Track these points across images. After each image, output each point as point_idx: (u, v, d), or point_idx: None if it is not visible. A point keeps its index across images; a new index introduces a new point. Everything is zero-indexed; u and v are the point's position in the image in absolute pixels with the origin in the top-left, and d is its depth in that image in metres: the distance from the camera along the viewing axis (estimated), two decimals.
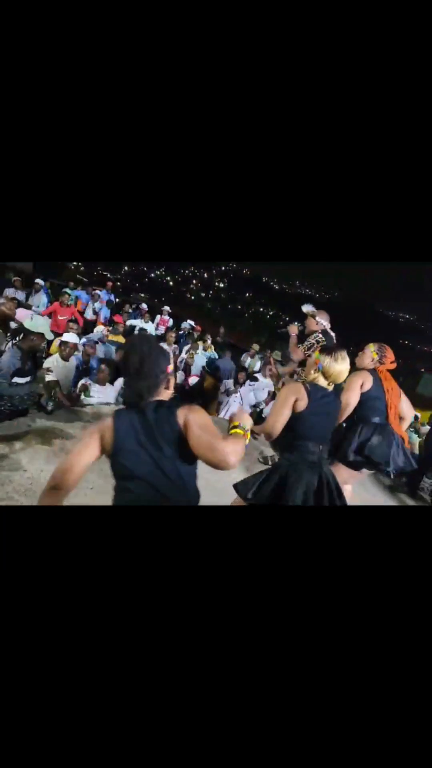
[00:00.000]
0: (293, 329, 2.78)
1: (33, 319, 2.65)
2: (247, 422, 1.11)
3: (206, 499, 1.12)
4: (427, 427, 5.00)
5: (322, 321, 2.70)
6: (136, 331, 5.80)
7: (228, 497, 1.72)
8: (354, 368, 1.79)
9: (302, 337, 2.73)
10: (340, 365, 1.62)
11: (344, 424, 2.19)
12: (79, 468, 1.01)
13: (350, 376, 2.14)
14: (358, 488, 2.91)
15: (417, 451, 4.20)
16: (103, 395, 3.43)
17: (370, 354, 2.31)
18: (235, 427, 1.09)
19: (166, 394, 1.12)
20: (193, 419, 1.04)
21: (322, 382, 1.64)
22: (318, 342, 2.63)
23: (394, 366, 2.30)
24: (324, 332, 2.68)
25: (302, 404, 1.57)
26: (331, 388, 1.67)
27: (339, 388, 1.88)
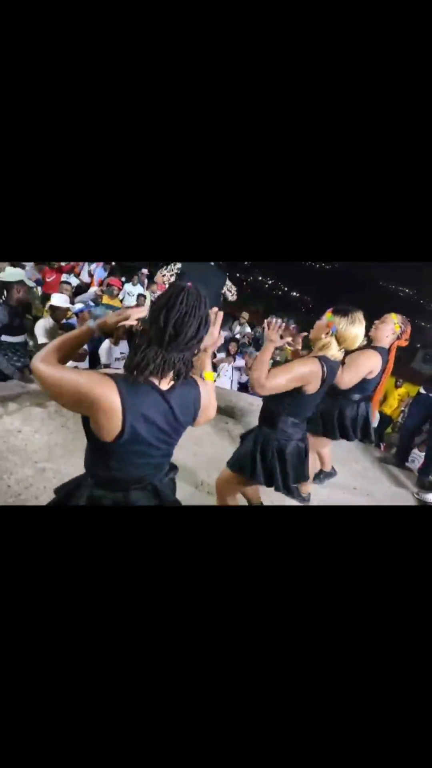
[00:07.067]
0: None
1: (5, 271, 2.58)
2: (210, 366, 1.05)
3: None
4: None
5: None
6: (135, 298, 5.63)
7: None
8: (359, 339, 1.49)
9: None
10: (356, 328, 1.38)
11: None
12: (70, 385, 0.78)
13: (359, 357, 1.81)
14: (349, 461, 2.97)
15: None
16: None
17: (392, 326, 1.90)
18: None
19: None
20: (210, 398, 0.97)
21: (333, 347, 1.39)
22: (172, 270, 2.58)
23: (406, 344, 1.96)
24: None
25: (311, 388, 1.37)
26: (341, 356, 1.44)
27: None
